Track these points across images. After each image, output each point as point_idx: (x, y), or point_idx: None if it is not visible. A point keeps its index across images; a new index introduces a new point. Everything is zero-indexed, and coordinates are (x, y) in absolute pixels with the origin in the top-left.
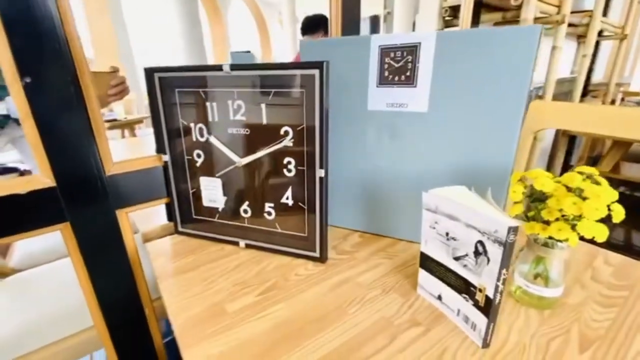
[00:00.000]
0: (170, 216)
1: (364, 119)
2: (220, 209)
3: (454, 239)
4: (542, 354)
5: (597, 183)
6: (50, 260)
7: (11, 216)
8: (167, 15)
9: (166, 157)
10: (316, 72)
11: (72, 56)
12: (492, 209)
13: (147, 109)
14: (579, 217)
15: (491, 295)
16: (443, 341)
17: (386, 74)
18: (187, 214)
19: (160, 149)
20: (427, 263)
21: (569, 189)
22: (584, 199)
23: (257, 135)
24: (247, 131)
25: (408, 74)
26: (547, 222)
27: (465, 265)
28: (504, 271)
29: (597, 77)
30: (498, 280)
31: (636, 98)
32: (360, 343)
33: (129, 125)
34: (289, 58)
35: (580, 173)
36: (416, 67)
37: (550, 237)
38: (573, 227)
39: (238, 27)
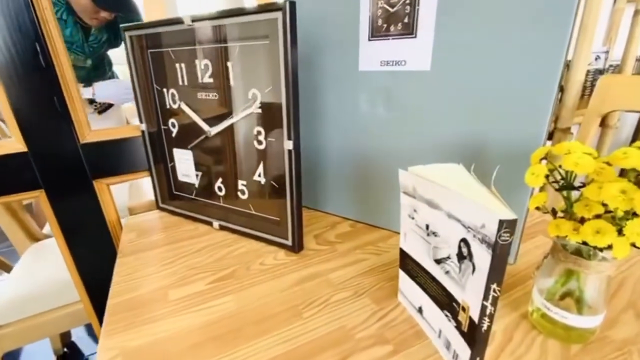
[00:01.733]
0: None
1: (354, 82)
2: (196, 186)
3: (434, 234)
4: None
5: None
6: None
7: None
8: None
9: (143, 126)
10: (278, 15)
11: (36, 11)
12: (485, 193)
13: None
14: (631, 213)
15: (476, 319)
16: None
17: (379, 22)
18: (167, 190)
19: (139, 118)
20: (407, 264)
21: (621, 173)
22: None
23: (226, 100)
24: (215, 95)
25: (406, 20)
26: (582, 221)
27: (447, 272)
28: (494, 286)
29: None
30: (485, 298)
31: None
32: (303, 357)
33: None
34: None
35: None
36: (416, 11)
37: (584, 243)
38: (620, 229)
39: None
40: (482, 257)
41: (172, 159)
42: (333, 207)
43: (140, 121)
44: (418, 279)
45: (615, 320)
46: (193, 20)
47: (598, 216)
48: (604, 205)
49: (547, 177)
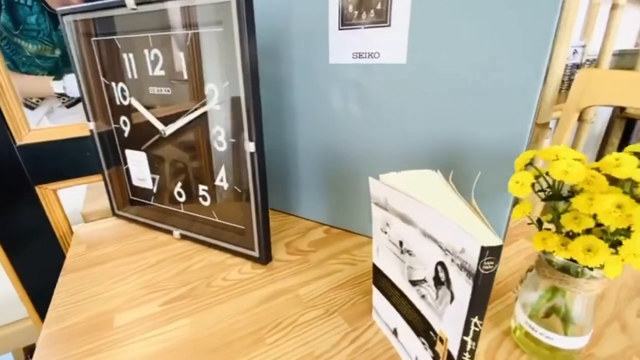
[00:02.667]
0: None
1: (324, 77)
2: (154, 191)
3: (409, 252)
4: None
5: None
6: None
7: None
8: None
9: (91, 125)
10: None
11: None
12: (464, 208)
13: None
14: (627, 230)
15: (455, 354)
16: None
17: (350, 9)
18: (123, 195)
19: (86, 116)
20: (380, 281)
21: (612, 181)
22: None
23: (180, 96)
24: (168, 91)
25: (379, 7)
26: (571, 235)
27: (423, 296)
28: (475, 320)
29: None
30: (465, 333)
31: None
32: None
33: None
34: None
35: (636, 154)
36: None
37: (572, 260)
38: (614, 247)
39: None
40: (461, 287)
41: (125, 161)
42: (306, 211)
43: (88, 119)
44: (392, 298)
45: (599, 335)
46: (137, 3)
47: (588, 230)
48: (595, 217)
49: (532, 185)
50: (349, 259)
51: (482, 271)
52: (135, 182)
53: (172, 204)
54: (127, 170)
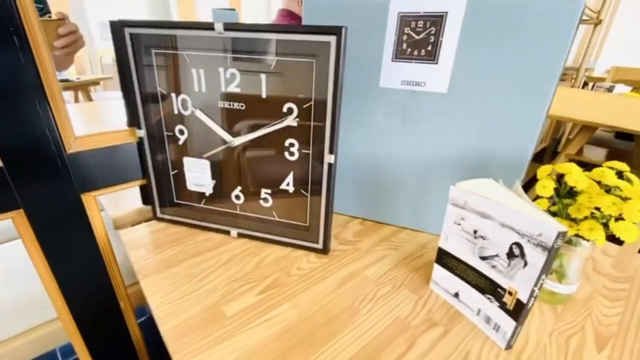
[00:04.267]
0: (146, 199)
1: (374, 97)
2: (207, 194)
3: (482, 237)
4: (564, 354)
5: (629, 181)
6: None
7: None
8: None
9: (141, 133)
10: (332, 39)
11: (16, 3)
12: (531, 207)
13: (104, 69)
14: (617, 217)
15: (524, 300)
16: (464, 343)
17: (404, 46)
18: (167, 198)
19: (133, 122)
20: (446, 259)
21: (601, 186)
22: (625, 199)
23: (255, 112)
24: (241, 106)
25: (429, 48)
26: (574, 220)
27: (494, 266)
28: (543, 276)
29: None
30: (536, 285)
31: (606, 84)
32: (378, 349)
33: (83, 87)
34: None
35: (612, 168)
36: (439, 41)
37: (577, 235)
38: (604, 226)
39: None
40: (536, 257)
41: (175, 167)
42: (342, 207)
43: (138, 127)
44: (457, 270)
45: None
46: (226, 29)
47: (586, 217)
48: (595, 209)
49: (554, 188)
50: (391, 245)
51: (555, 246)
52: (192, 187)
53: (227, 205)
54: (176, 175)
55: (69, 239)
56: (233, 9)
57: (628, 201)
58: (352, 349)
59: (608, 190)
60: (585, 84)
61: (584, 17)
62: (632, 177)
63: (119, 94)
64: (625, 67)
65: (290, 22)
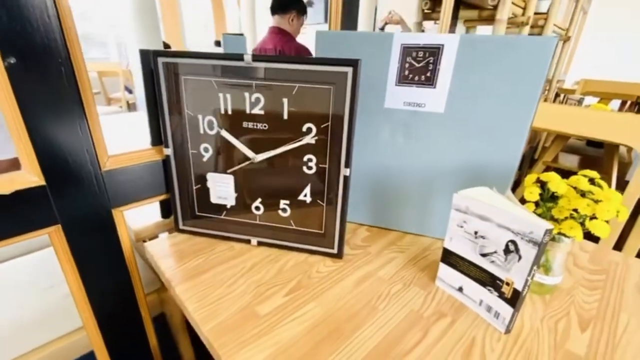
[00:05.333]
0: (165, 213)
1: (379, 116)
2: (229, 206)
3: (482, 237)
4: (554, 335)
5: (599, 186)
6: None
7: None
8: None
9: (168, 151)
10: (349, 70)
11: (64, 30)
12: (522, 210)
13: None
14: (591, 216)
15: (519, 288)
16: (469, 330)
17: (406, 73)
18: (189, 211)
19: (156, 141)
20: (450, 258)
21: (577, 191)
22: (596, 201)
23: (277, 131)
24: (264, 126)
25: (428, 74)
26: (556, 220)
27: (492, 262)
28: (535, 267)
29: None
30: (529, 275)
31: (576, 96)
32: (397, 338)
33: None
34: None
35: (585, 176)
36: (437, 69)
37: (559, 233)
38: (581, 225)
39: None
40: (529, 251)
41: (198, 182)
42: (350, 215)
43: (166, 146)
44: (460, 267)
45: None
46: (254, 60)
47: (566, 218)
48: (574, 210)
49: (540, 194)
50: (397, 249)
51: (544, 241)
52: (215, 200)
53: (247, 216)
54: (198, 189)
55: (101, 252)
56: (241, 34)
57: (600, 203)
58: (375, 339)
59: (583, 194)
60: (557, 95)
61: (554, 34)
62: (602, 183)
63: (106, 109)
64: (592, 80)
65: (282, 39)
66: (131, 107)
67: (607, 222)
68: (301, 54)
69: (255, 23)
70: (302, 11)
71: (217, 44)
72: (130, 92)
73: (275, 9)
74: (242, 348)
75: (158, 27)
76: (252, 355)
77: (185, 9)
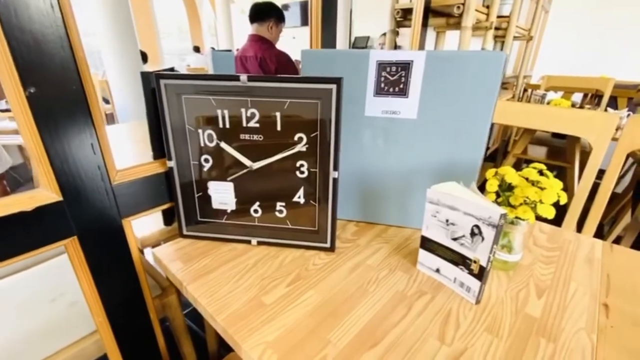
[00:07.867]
0: (168, 220)
1: (361, 123)
2: (229, 210)
3: (453, 224)
4: (515, 302)
5: (546, 176)
6: None
7: (17, 235)
8: None
9: (171, 163)
10: (334, 86)
11: (76, 60)
12: (482, 199)
13: None
14: (539, 201)
15: (484, 264)
16: (446, 304)
17: (382, 85)
18: (192, 217)
19: (158, 155)
20: (428, 244)
21: (528, 181)
22: (542, 188)
23: (271, 141)
24: (260, 137)
25: (401, 86)
26: (513, 206)
27: (462, 244)
28: (495, 246)
29: (507, 71)
30: (490, 252)
31: (540, 92)
32: (386, 314)
33: None
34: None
35: (534, 168)
36: (408, 81)
37: (516, 217)
38: (533, 209)
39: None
40: (489, 233)
41: (199, 190)
42: (339, 213)
43: (169, 159)
44: (437, 251)
45: (522, 255)
46: (249, 80)
47: (521, 204)
48: (525, 197)
49: (498, 185)
50: (383, 240)
51: (499, 224)
52: (216, 206)
53: (247, 219)
54: (200, 197)
55: (113, 260)
56: (229, 50)
57: (545, 190)
58: (368, 316)
59: (533, 183)
60: (524, 91)
61: (517, 35)
62: (548, 173)
63: None
64: (555, 76)
65: (262, 46)
66: (108, 118)
67: (552, 205)
68: (281, 60)
69: (232, 28)
70: (280, 19)
71: (196, 49)
72: (107, 102)
73: (254, 18)
74: (254, 332)
75: (135, 37)
76: (264, 337)
77: (159, 15)
